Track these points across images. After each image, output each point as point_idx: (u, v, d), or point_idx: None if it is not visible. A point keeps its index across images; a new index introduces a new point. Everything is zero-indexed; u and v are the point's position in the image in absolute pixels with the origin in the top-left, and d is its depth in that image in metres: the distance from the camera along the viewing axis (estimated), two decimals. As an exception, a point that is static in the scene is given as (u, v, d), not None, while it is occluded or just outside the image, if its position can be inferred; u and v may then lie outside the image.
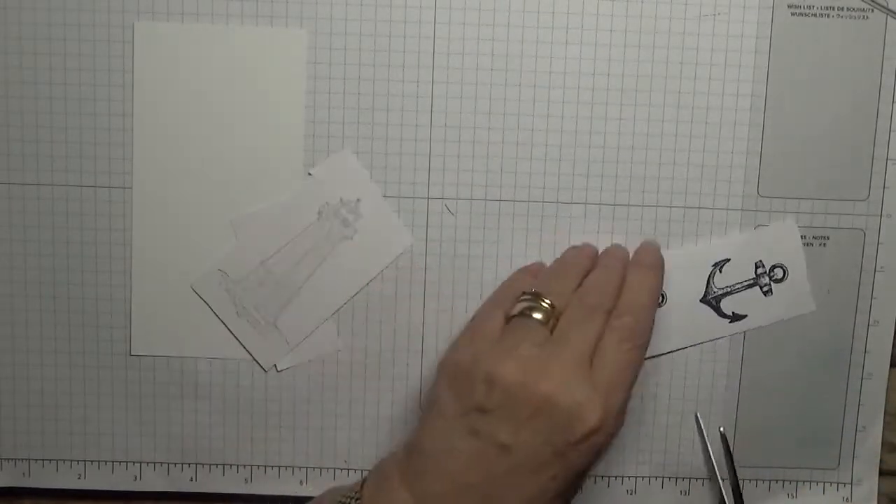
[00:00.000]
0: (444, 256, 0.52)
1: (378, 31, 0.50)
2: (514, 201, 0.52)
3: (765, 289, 0.52)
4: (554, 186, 0.52)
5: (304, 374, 0.53)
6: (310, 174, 0.51)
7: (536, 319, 0.47)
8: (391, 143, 0.51)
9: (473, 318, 0.51)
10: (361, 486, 0.46)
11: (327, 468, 0.54)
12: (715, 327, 0.53)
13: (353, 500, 0.46)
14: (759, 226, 0.52)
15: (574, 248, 0.52)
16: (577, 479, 0.46)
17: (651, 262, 0.50)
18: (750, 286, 0.52)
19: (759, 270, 0.52)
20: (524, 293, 0.48)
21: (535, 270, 0.52)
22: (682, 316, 0.52)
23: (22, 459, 0.54)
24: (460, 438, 0.45)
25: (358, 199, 0.51)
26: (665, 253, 0.51)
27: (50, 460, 0.54)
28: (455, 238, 0.52)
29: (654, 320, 0.49)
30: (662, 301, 0.52)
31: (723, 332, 0.53)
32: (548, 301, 0.47)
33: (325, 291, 0.52)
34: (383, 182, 0.51)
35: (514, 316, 0.47)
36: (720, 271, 0.52)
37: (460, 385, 0.46)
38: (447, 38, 0.50)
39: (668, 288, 0.52)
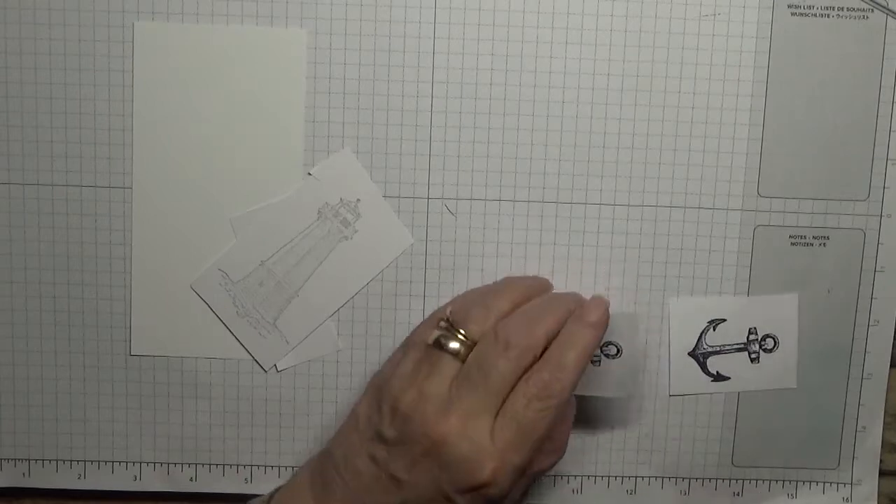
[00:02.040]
0: (444, 256, 0.52)
1: (378, 31, 0.50)
2: (514, 201, 0.52)
3: (753, 356, 0.52)
4: (554, 186, 0.52)
5: (304, 374, 0.53)
6: (310, 174, 0.51)
7: (450, 351, 0.45)
8: (391, 143, 0.51)
9: (413, 330, 0.49)
10: (275, 492, 0.48)
11: (327, 468, 0.54)
12: (697, 382, 0.53)
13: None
14: (759, 294, 0.52)
15: (511, 278, 0.50)
16: None
17: (595, 319, 0.46)
18: (739, 350, 0.52)
19: (752, 337, 0.52)
20: (441, 319, 0.46)
21: (478, 295, 0.49)
22: (668, 363, 0.53)
23: (22, 459, 0.54)
24: (362, 461, 0.45)
25: (358, 200, 0.51)
26: (667, 300, 0.52)
27: (50, 460, 0.54)
28: (455, 238, 0.52)
29: (577, 381, 0.45)
30: (616, 354, 0.50)
31: (702, 389, 0.53)
32: (462, 333, 0.45)
33: (325, 291, 0.52)
34: (383, 182, 0.51)
35: (430, 344, 0.46)
36: (714, 329, 0.52)
37: (374, 403, 0.46)
38: (447, 38, 0.50)
39: (663, 336, 0.52)
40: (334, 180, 0.51)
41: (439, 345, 0.45)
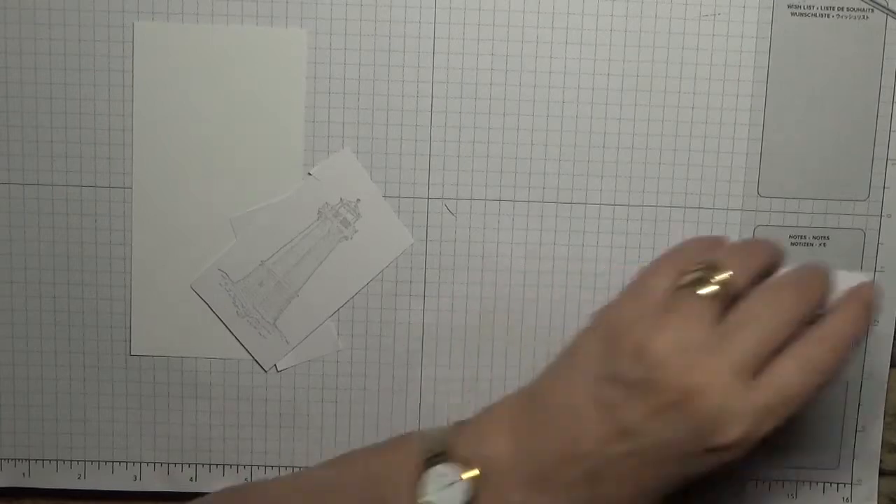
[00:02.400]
0: (444, 256, 0.52)
1: (378, 31, 0.50)
2: (514, 201, 0.52)
3: None
4: (554, 186, 0.52)
5: (304, 374, 0.53)
6: (310, 174, 0.51)
7: (708, 295, 0.40)
8: (391, 143, 0.51)
9: (639, 274, 0.44)
10: (457, 427, 0.43)
11: (327, 468, 0.54)
12: None
13: (446, 438, 0.42)
14: None
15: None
16: (684, 483, 0.41)
17: (870, 300, 0.42)
18: None
19: None
20: (699, 262, 0.42)
21: (711, 243, 0.45)
22: None
23: (22, 459, 0.54)
24: (587, 403, 0.40)
25: (358, 200, 0.51)
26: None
27: (50, 460, 0.54)
28: (455, 238, 0.52)
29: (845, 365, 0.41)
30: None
31: None
32: (725, 275, 0.41)
33: (325, 291, 0.52)
34: (383, 182, 0.51)
35: (683, 286, 0.41)
36: None
37: (607, 344, 0.41)
38: (447, 38, 0.50)
39: None
40: (334, 180, 0.51)
41: (698, 286, 0.41)
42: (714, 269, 0.41)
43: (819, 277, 0.42)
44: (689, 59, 0.50)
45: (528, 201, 0.52)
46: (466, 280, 0.52)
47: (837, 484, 0.54)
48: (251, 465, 0.54)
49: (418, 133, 0.51)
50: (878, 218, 0.52)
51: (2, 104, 0.51)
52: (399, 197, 0.52)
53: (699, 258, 0.42)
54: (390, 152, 0.51)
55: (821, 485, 0.54)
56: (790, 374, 0.40)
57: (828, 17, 0.50)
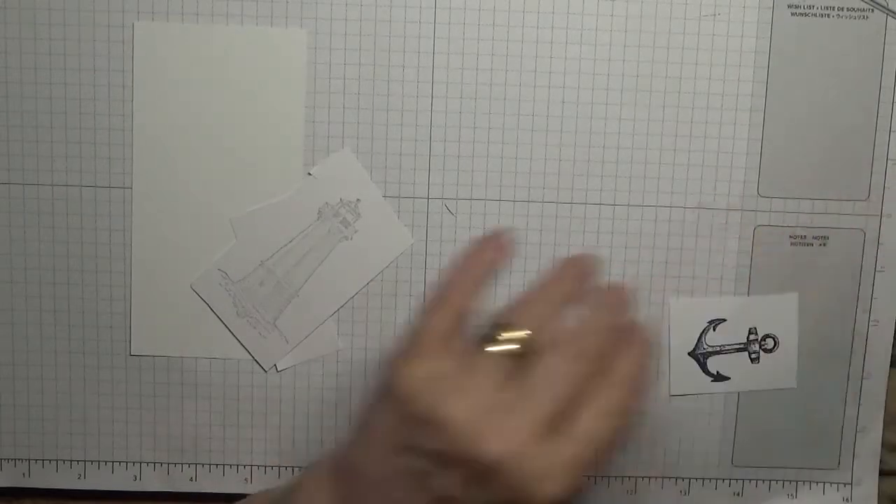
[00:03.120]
0: (444, 256, 0.52)
1: (378, 31, 0.50)
2: (514, 201, 0.52)
3: (753, 356, 0.52)
4: (554, 186, 0.52)
5: (304, 374, 0.53)
6: (310, 174, 0.51)
7: (507, 353, 0.39)
8: (391, 143, 0.51)
9: (425, 317, 0.41)
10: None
11: (327, 468, 0.54)
12: (697, 382, 0.53)
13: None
14: (758, 294, 0.52)
15: (565, 263, 0.44)
16: None
17: (647, 337, 0.42)
18: (739, 350, 0.53)
19: (752, 337, 0.52)
20: (496, 323, 0.41)
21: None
22: (668, 363, 0.53)
23: (22, 459, 0.54)
24: (396, 475, 0.39)
25: (358, 199, 0.51)
26: (667, 300, 0.52)
27: (50, 460, 0.54)
28: (455, 238, 0.52)
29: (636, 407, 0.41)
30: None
31: (703, 389, 0.53)
32: (513, 335, 0.40)
33: (325, 291, 0.52)
34: (383, 182, 0.51)
35: (482, 343, 0.40)
36: (714, 329, 0.52)
37: (398, 414, 0.39)
38: (447, 38, 0.50)
39: (663, 336, 0.53)
40: (334, 180, 0.51)
41: (489, 345, 0.40)
42: (506, 326, 0.40)
43: (597, 329, 0.41)
44: (689, 59, 0.50)
45: (528, 201, 0.52)
46: (466, 280, 0.52)
47: (837, 484, 0.54)
48: (251, 465, 0.54)
49: (418, 133, 0.51)
50: (878, 218, 0.52)
51: (2, 104, 0.51)
52: (399, 197, 0.52)
53: (496, 317, 0.41)
54: (390, 152, 0.51)
55: (821, 485, 0.54)
56: (590, 422, 0.39)
57: (828, 17, 0.50)
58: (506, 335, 0.40)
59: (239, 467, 0.54)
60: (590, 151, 0.51)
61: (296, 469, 0.54)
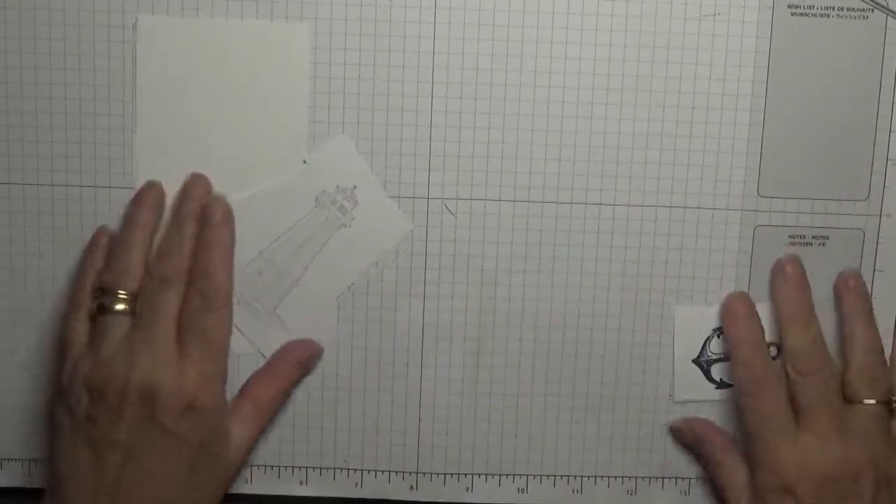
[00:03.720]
0: (444, 256, 0.52)
1: (378, 31, 0.50)
2: (514, 201, 0.52)
3: None
4: (554, 186, 0.52)
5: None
6: (305, 161, 0.51)
7: (118, 312, 0.48)
8: (391, 143, 0.51)
9: (63, 330, 0.50)
10: None
11: (327, 468, 0.54)
12: (701, 389, 0.53)
13: None
14: (763, 301, 0.52)
15: (134, 208, 0.50)
16: (203, 454, 0.47)
17: (220, 218, 0.49)
18: None
19: None
20: (97, 288, 0.48)
21: (102, 245, 0.50)
22: (672, 370, 0.53)
23: (23, 459, 0.54)
24: (80, 451, 0.46)
25: (354, 187, 0.51)
26: (673, 308, 0.52)
27: (50, 459, 0.54)
28: (455, 238, 0.52)
29: (231, 275, 0.49)
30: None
31: (707, 396, 0.53)
32: (122, 292, 0.48)
33: (324, 279, 0.52)
34: (383, 182, 0.51)
35: (95, 315, 0.48)
36: (717, 337, 0.52)
37: (66, 399, 0.47)
38: (447, 38, 0.50)
39: (672, 342, 0.53)
40: (330, 167, 0.51)
41: (105, 309, 0.48)
42: (108, 290, 0.48)
43: (183, 228, 0.49)
44: (689, 59, 0.50)
45: (528, 201, 0.52)
46: (466, 280, 0.52)
47: (837, 484, 0.54)
48: (251, 465, 0.54)
49: (418, 133, 0.51)
50: (878, 218, 0.52)
51: (2, 104, 0.51)
52: (399, 197, 0.52)
53: (95, 285, 0.49)
54: (390, 152, 0.51)
55: (821, 485, 0.54)
56: (194, 317, 0.48)
57: (828, 17, 0.50)
58: (112, 297, 0.48)
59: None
60: (590, 151, 0.51)
61: (296, 469, 0.54)
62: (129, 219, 0.50)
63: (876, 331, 0.50)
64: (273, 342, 0.52)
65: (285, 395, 0.52)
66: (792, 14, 0.50)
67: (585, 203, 0.52)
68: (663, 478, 0.54)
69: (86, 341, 0.48)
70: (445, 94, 0.51)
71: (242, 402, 0.50)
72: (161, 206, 0.50)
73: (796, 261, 0.51)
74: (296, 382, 0.52)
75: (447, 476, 0.54)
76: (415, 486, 0.54)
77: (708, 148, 0.51)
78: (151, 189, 0.50)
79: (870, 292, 0.52)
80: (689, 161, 0.51)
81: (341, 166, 0.51)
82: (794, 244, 0.52)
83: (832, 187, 0.52)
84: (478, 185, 0.52)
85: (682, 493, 0.54)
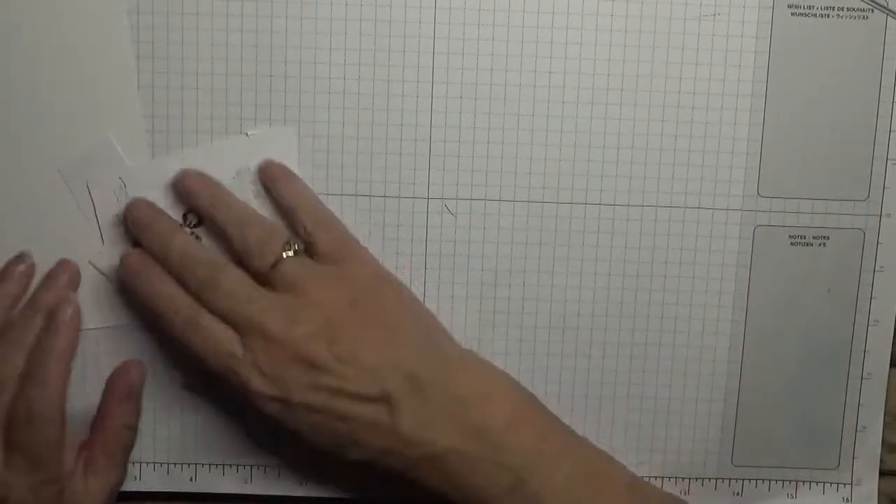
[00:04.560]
0: (444, 256, 0.52)
1: (378, 31, 0.50)
2: (514, 201, 0.52)
3: None
4: (554, 186, 0.52)
5: (304, 374, 0.53)
6: (246, 134, 0.51)
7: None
8: (391, 143, 0.51)
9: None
10: None
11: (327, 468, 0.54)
12: None
13: None
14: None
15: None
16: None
17: (60, 322, 0.48)
18: None
19: None
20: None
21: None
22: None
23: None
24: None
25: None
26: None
27: (50, 460, 0.54)
28: (455, 238, 0.52)
29: (65, 388, 0.47)
30: None
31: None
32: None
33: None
34: (383, 182, 0.51)
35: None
36: None
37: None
38: (447, 38, 0.50)
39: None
40: (265, 150, 0.51)
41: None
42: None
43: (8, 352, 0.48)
44: (689, 59, 0.50)
45: (528, 201, 0.52)
46: (466, 280, 0.52)
47: (837, 484, 0.54)
48: (251, 465, 0.54)
49: (418, 133, 0.51)
50: (878, 218, 0.52)
51: None
52: (399, 197, 0.52)
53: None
54: (390, 152, 0.51)
55: (821, 485, 0.54)
56: (21, 433, 0.46)
57: (828, 17, 0.50)
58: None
59: (239, 467, 0.54)
60: (590, 151, 0.51)
61: (295, 469, 0.54)
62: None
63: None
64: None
65: (129, 431, 0.50)
66: (792, 14, 0.50)
67: (585, 203, 0.52)
68: (663, 478, 0.54)
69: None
70: (445, 94, 0.51)
71: (91, 456, 0.48)
72: (25, 285, 0.49)
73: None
74: (132, 416, 0.50)
75: (447, 476, 0.54)
76: (415, 486, 0.54)
77: (708, 148, 0.51)
78: (19, 263, 0.50)
79: (868, 292, 0.52)
80: (689, 161, 0.51)
81: (276, 154, 0.51)
82: (794, 244, 0.52)
83: (832, 187, 0.52)
84: (478, 185, 0.52)
85: (682, 493, 0.54)
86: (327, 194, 0.51)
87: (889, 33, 0.50)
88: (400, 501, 0.53)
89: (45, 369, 0.46)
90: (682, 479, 0.54)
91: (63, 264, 0.50)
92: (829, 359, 0.53)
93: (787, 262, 0.52)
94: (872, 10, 0.50)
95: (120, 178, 0.51)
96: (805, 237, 0.52)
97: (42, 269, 0.51)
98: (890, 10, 0.50)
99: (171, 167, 0.50)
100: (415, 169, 0.51)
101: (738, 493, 0.54)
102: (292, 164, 0.51)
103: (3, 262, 0.51)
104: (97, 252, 0.51)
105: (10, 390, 0.46)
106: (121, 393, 0.49)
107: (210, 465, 0.54)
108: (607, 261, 0.52)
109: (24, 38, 0.50)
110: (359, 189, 0.51)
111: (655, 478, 0.54)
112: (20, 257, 0.50)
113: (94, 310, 0.51)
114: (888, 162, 0.51)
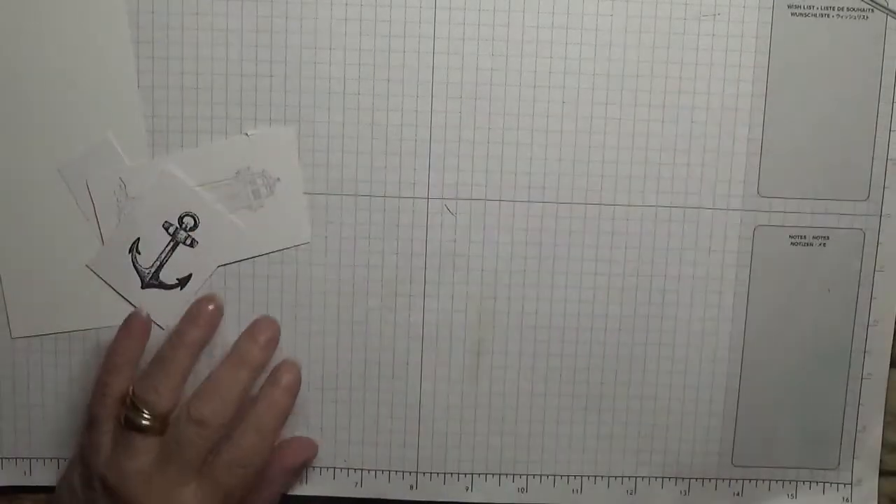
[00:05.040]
0: (444, 256, 0.52)
1: (378, 31, 0.50)
2: (514, 201, 0.52)
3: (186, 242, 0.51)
4: (554, 186, 0.52)
5: (303, 374, 0.53)
6: (246, 134, 0.51)
7: (142, 430, 0.47)
8: (391, 143, 0.51)
9: (92, 400, 0.50)
10: None
11: (327, 468, 0.54)
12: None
13: None
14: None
15: (179, 332, 0.50)
16: None
17: (288, 382, 0.51)
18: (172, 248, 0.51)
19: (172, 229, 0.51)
20: (127, 395, 0.48)
21: (135, 333, 0.50)
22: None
23: (22, 458, 0.54)
24: None
25: (278, 179, 0.51)
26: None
27: (51, 458, 0.54)
28: (455, 238, 0.52)
29: (274, 442, 0.50)
30: None
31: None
32: (147, 415, 0.47)
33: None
34: (383, 182, 0.51)
35: (121, 423, 0.48)
36: (139, 252, 0.51)
37: (85, 476, 0.49)
38: (447, 38, 0.50)
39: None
40: (265, 150, 0.51)
41: (130, 425, 0.48)
42: (138, 408, 0.48)
43: (240, 374, 0.49)
44: (689, 59, 0.50)
45: (528, 201, 0.52)
46: (466, 280, 0.52)
47: (837, 484, 0.54)
48: (251, 465, 0.54)
49: (418, 133, 0.51)
50: (878, 218, 0.52)
51: None
52: (399, 197, 0.52)
53: (132, 390, 0.48)
54: (390, 152, 0.51)
55: (821, 485, 0.54)
56: (224, 474, 0.48)
57: (828, 17, 0.50)
58: (141, 413, 0.48)
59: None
60: (590, 151, 0.51)
61: (296, 469, 0.54)
62: (179, 334, 0.50)
63: None
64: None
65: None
66: (792, 14, 0.50)
67: (585, 203, 0.52)
68: (663, 478, 0.54)
69: (109, 444, 0.48)
70: (445, 95, 0.51)
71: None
72: (215, 326, 0.51)
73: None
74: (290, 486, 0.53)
75: (447, 476, 0.54)
76: (415, 486, 0.54)
77: (708, 148, 0.51)
78: (209, 303, 0.51)
79: (868, 292, 0.52)
80: (690, 161, 0.51)
81: (276, 154, 0.51)
82: (794, 244, 0.52)
83: (832, 187, 0.52)
84: (478, 185, 0.52)
85: (682, 493, 0.54)
86: (327, 194, 0.51)
87: (889, 33, 0.50)
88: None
89: (267, 419, 0.49)
90: (682, 479, 0.54)
91: (265, 320, 0.51)
92: (829, 359, 0.53)
93: (787, 262, 0.52)
94: (872, 10, 0.50)
95: (120, 178, 0.51)
96: (805, 237, 0.52)
97: (42, 269, 0.51)
98: (890, 10, 0.50)
99: (171, 167, 0.51)
100: (415, 169, 0.51)
101: (738, 493, 0.54)
102: (292, 164, 0.51)
103: (2, 262, 0.51)
104: (96, 252, 0.51)
105: (219, 432, 0.48)
106: (288, 466, 0.52)
107: (210, 464, 0.54)
108: (607, 261, 0.52)
109: (24, 38, 0.50)
110: (359, 189, 0.51)
111: (655, 478, 0.54)
112: (209, 298, 0.51)
113: (93, 310, 0.51)
114: (888, 162, 0.51)
